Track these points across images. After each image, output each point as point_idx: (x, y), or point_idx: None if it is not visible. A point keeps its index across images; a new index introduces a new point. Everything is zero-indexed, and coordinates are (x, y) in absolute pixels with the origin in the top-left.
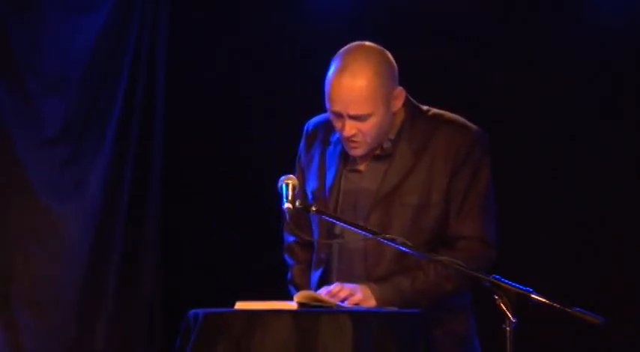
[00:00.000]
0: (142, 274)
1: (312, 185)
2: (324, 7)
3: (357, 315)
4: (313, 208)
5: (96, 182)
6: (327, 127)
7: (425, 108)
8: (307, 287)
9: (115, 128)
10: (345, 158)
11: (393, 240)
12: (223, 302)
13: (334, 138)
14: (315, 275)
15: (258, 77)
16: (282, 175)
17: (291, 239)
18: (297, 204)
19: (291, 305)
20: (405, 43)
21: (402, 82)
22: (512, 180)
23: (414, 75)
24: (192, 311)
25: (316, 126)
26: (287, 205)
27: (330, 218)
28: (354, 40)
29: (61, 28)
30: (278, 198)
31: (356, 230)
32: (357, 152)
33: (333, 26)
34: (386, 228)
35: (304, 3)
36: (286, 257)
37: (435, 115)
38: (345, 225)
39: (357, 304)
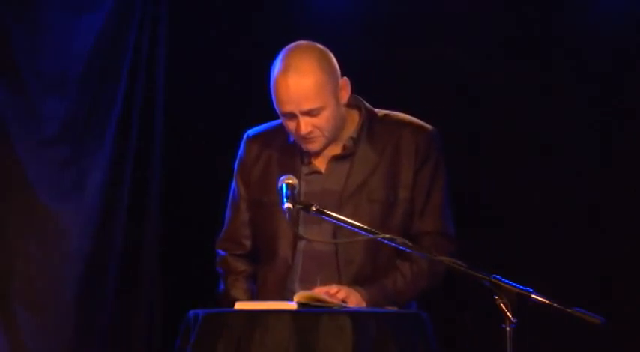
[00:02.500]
0: (142, 274)
1: (263, 194)
2: (324, 7)
3: (357, 315)
4: (313, 208)
5: (96, 182)
6: (270, 136)
7: (376, 109)
8: (244, 297)
9: (115, 128)
10: (300, 162)
11: (392, 240)
12: None
13: (278, 146)
14: (272, 277)
15: (259, 77)
16: (283, 175)
17: (224, 253)
18: (297, 203)
19: (291, 305)
20: (405, 43)
21: (402, 82)
22: (512, 179)
23: (414, 75)
24: (192, 311)
25: (258, 135)
26: (287, 205)
27: (331, 218)
28: (354, 40)
29: (61, 28)
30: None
31: (356, 230)
32: (314, 146)
33: (333, 26)
34: None
35: (305, 3)
36: (219, 269)
37: (387, 116)
38: (345, 225)
39: None
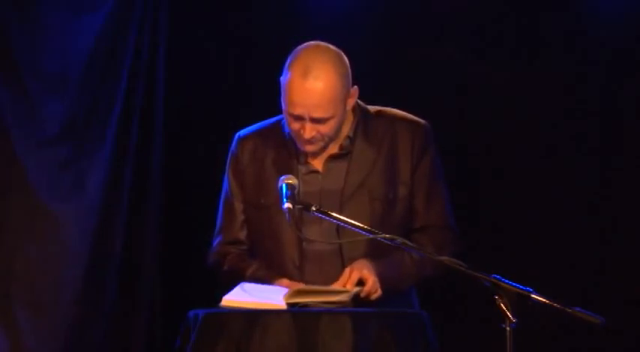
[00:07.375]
0: (142, 274)
1: (260, 195)
2: (324, 7)
3: (357, 315)
4: (313, 208)
5: (96, 182)
6: (263, 136)
7: (368, 106)
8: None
9: (115, 128)
10: (297, 161)
11: (392, 240)
12: None
13: (273, 146)
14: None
15: (259, 77)
16: (280, 175)
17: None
18: (297, 203)
19: (280, 305)
20: (405, 43)
21: (402, 82)
22: (513, 180)
23: (415, 75)
24: (192, 311)
25: (251, 135)
26: (287, 205)
27: (331, 218)
28: (354, 40)
29: (61, 28)
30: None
31: (357, 230)
32: (312, 149)
33: (333, 26)
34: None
35: (304, 3)
36: (229, 269)
37: (381, 112)
38: (346, 226)
39: (368, 292)
